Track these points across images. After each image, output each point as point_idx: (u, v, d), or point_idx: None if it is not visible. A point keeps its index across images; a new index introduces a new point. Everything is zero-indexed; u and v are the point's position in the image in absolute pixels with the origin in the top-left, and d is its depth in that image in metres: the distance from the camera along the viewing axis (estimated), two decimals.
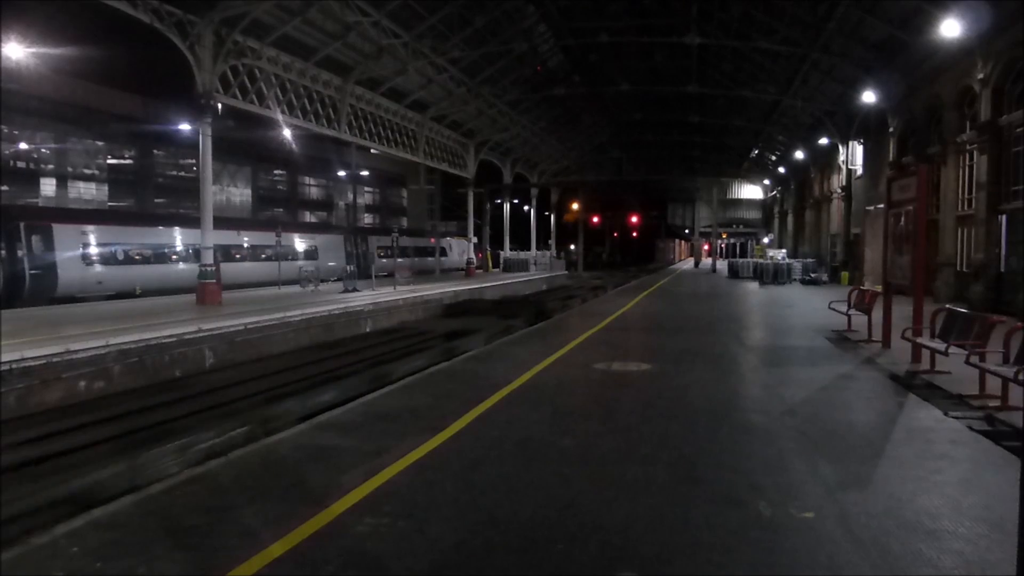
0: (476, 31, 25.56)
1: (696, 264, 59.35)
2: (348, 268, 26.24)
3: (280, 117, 21.89)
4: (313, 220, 53.25)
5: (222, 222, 24.32)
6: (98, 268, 21.10)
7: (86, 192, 36.77)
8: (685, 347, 11.85)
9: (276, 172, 52.59)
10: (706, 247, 64.82)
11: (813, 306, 19.53)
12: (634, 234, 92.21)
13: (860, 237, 29.83)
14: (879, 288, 13.34)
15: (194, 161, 35.65)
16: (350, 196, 49.22)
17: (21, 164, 34.20)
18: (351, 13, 20.90)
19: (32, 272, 18.90)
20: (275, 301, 18.64)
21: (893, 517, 4.28)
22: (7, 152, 32.87)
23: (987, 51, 17.59)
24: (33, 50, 20.03)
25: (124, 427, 8.76)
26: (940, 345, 8.65)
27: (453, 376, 9.34)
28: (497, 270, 43.87)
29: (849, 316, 13.43)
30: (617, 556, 3.79)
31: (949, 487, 4.92)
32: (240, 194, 47.74)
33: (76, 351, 10.29)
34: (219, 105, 18.82)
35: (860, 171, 30.97)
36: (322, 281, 25.12)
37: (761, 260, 37.95)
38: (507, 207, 47.71)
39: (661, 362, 10.21)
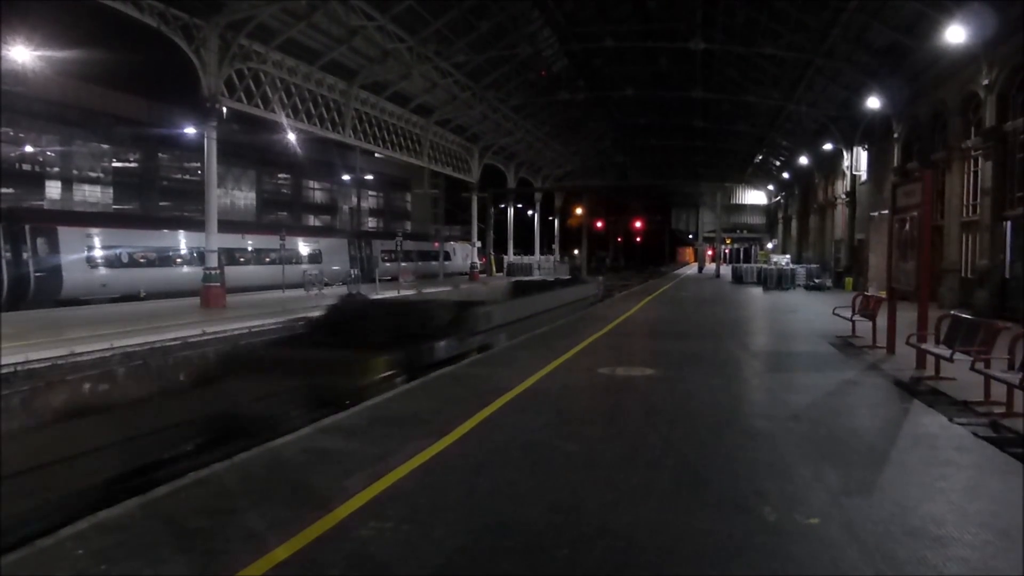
0: (481, 35, 25.63)
1: (700, 269, 59.25)
2: (352, 272, 26.29)
3: (285, 121, 21.99)
4: (317, 224, 53.35)
5: (226, 225, 24.38)
6: (103, 271, 21.13)
7: (91, 195, 36.93)
8: (689, 352, 11.84)
9: (280, 176, 52.78)
10: (710, 252, 64.76)
11: (817, 312, 19.47)
12: (638, 239, 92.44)
13: (864, 243, 29.77)
14: (883, 294, 13.31)
15: (199, 164, 35.77)
16: (354, 200, 49.40)
17: (26, 167, 34.38)
18: (356, 17, 20.98)
19: (37, 274, 18.93)
20: (279, 304, 18.66)
21: (898, 523, 4.27)
22: (12, 155, 33.03)
23: (992, 57, 17.57)
24: (39, 53, 20.10)
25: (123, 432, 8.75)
26: (945, 351, 8.63)
27: (457, 380, 9.33)
28: (501, 275, 43.86)
29: (853, 322, 13.38)
30: (622, 561, 3.78)
31: (954, 494, 4.90)
32: (245, 197, 47.92)
33: (80, 354, 10.33)
34: (224, 108, 18.91)
35: (864, 177, 30.92)
36: (326, 285, 25.16)
37: (765, 265, 37.90)
38: (511, 211, 47.78)
39: (665, 367, 10.19)
